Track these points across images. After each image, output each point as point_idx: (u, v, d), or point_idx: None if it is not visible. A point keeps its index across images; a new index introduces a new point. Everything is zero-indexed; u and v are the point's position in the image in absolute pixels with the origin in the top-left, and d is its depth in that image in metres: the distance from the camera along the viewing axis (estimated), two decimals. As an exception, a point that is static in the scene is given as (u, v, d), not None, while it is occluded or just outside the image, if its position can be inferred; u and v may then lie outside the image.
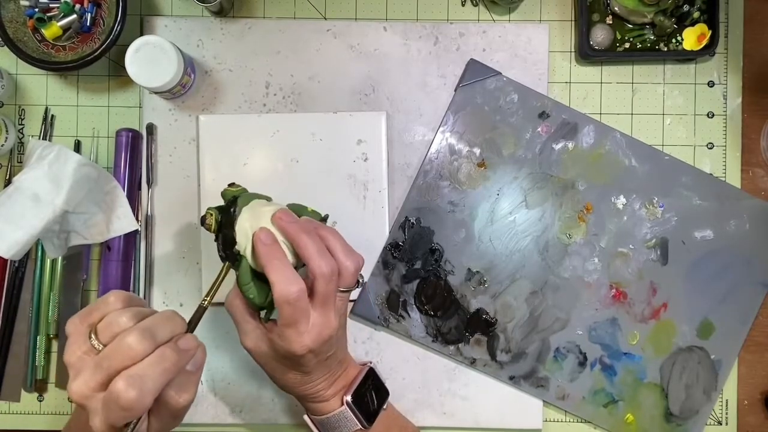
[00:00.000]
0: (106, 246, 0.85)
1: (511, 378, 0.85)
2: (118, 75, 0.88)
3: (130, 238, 0.85)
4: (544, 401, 0.86)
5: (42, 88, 0.88)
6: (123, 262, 0.85)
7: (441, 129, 0.86)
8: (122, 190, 0.83)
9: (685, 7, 0.84)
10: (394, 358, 0.87)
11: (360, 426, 0.74)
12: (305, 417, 0.77)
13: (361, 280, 0.73)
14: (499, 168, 0.86)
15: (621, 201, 0.86)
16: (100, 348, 0.55)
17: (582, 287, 0.85)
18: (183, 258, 0.87)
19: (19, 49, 0.81)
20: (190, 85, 0.85)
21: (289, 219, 0.67)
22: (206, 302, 0.64)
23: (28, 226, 0.74)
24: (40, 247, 0.86)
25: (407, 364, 0.87)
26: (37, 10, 0.82)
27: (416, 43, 0.87)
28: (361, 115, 0.86)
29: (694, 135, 0.88)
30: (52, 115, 0.88)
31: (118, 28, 0.80)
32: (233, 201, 0.69)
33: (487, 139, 0.86)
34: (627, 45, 0.86)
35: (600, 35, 0.85)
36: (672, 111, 0.88)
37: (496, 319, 0.85)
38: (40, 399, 0.88)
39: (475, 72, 0.85)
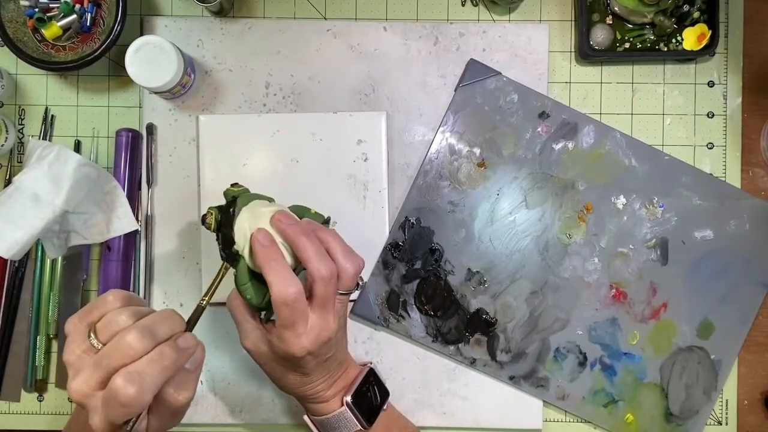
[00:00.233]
0: (106, 246, 0.85)
1: (511, 378, 0.85)
2: (118, 75, 0.88)
3: (130, 238, 0.85)
4: (544, 401, 0.86)
5: (42, 88, 0.88)
6: (123, 262, 0.85)
7: (441, 129, 0.86)
8: (122, 190, 0.83)
9: (685, 7, 0.84)
10: (394, 358, 0.87)
11: (360, 426, 0.74)
12: (305, 417, 0.77)
13: (360, 283, 0.73)
14: (499, 168, 0.86)
15: (621, 201, 0.86)
16: (100, 347, 0.55)
17: (582, 287, 0.85)
18: (183, 258, 0.87)
19: (19, 49, 0.81)
20: (190, 85, 0.85)
21: (288, 221, 0.67)
22: (205, 302, 0.64)
23: (28, 226, 0.74)
24: (40, 247, 0.86)
25: (407, 364, 0.87)
26: (37, 10, 0.82)
27: (416, 43, 0.87)
28: (361, 115, 0.86)
29: (694, 135, 0.88)
30: (52, 115, 0.88)
31: (118, 28, 0.80)
32: (233, 201, 0.69)
33: (487, 139, 0.86)
34: (627, 45, 0.86)
35: (600, 35, 0.85)
36: (672, 111, 0.88)
37: (496, 319, 0.85)
38: (40, 399, 0.88)
39: (475, 72, 0.85)
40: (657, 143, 0.87)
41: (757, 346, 0.88)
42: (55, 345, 0.87)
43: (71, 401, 0.88)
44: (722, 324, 0.85)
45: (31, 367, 0.86)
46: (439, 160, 0.86)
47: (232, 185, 0.72)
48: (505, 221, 0.85)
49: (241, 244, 0.67)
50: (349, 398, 0.73)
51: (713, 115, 0.88)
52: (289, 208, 0.72)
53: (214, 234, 0.69)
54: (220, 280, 0.67)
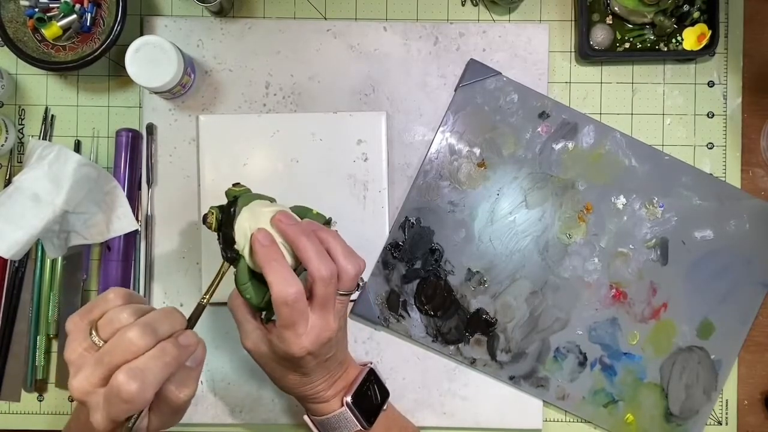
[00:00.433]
0: (106, 246, 0.85)
1: (511, 378, 0.85)
2: (118, 75, 0.88)
3: (130, 238, 0.85)
4: (544, 401, 0.86)
5: (42, 88, 0.88)
6: (123, 262, 0.85)
7: (441, 129, 0.86)
8: (122, 190, 0.83)
9: (685, 7, 0.84)
10: (394, 358, 0.87)
11: (360, 426, 0.74)
12: (305, 417, 0.77)
13: (361, 283, 0.73)
14: (499, 168, 0.86)
15: (621, 201, 0.86)
16: (101, 344, 0.55)
17: (582, 287, 0.85)
18: (183, 258, 0.87)
19: (19, 49, 0.81)
20: (190, 85, 0.85)
21: (289, 221, 0.67)
22: (206, 300, 0.64)
23: (28, 226, 0.74)
24: (40, 247, 0.86)
25: (407, 364, 0.87)
26: (37, 10, 0.82)
27: (416, 43, 0.87)
28: (361, 115, 0.86)
29: (694, 135, 0.88)
30: (52, 115, 0.88)
31: (118, 28, 0.80)
32: (234, 201, 0.69)
33: (487, 139, 0.86)
34: (627, 45, 0.86)
35: (600, 35, 0.85)
36: (672, 111, 0.88)
37: (496, 319, 0.85)
38: (40, 399, 0.88)
39: (475, 72, 0.86)
40: (657, 143, 0.87)
41: (757, 346, 0.88)
42: (55, 345, 0.87)
43: (72, 400, 0.87)
44: (722, 324, 0.85)
45: (31, 367, 0.86)
46: (439, 160, 0.86)
47: (234, 185, 0.72)
48: (505, 221, 0.85)
49: (242, 243, 0.67)
50: (349, 398, 0.73)
51: (713, 115, 0.88)
52: (290, 208, 0.71)
53: (215, 233, 0.70)
54: (221, 278, 0.67)
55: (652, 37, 0.86)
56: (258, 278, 0.68)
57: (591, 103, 0.88)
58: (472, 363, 0.85)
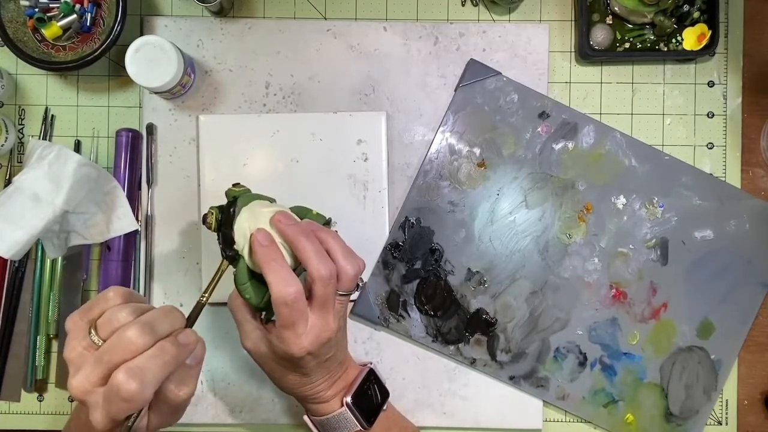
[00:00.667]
0: (106, 246, 0.85)
1: (511, 378, 0.85)
2: (118, 75, 0.88)
3: (130, 238, 0.85)
4: (544, 401, 0.86)
5: (42, 88, 0.88)
6: (123, 262, 0.85)
7: (441, 129, 0.86)
8: (122, 190, 0.83)
9: (685, 7, 0.84)
10: (394, 358, 0.87)
11: (360, 427, 0.74)
12: (305, 417, 0.77)
13: (361, 284, 0.73)
14: (499, 168, 0.86)
15: (621, 201, 0.86)
16: (100, 343, 0.55)
17: (582, 287, 0.85)
18: (183, 258, 0.87)
19: (19, 49, 0.81)
20: (190, 85, 0.85)
21: (288, 221, 0.67)
22: (205, 298, 0.64)
23: (28, 226, 0.74)
24: (40, 247, 0.86)
25: (407, 364, 0.87)
26: (37, 10, 0.82)
27: (416, 43, 0.87)
28: (361, 115, 0.86)
29: (694, 135, 0.88)
30: (52, 115, 0.88)
31: (118, 28, 0.81)
32: (233, 201, 0.69)
33: (487, 139, 0.86)
34: (627, 45, 0.86)
35: (600, 35, 0.85)
36: (672, 111, 0.88)
37: (496, 319, 0.85)
38: (40, 399, 0.88)
39: (475, 72, 0.86)
40: (657, 143, 0.87)
41: (757, 346, 0.88)
42: (55, 345, 0.87)
43: (71, 400, 0.87)
44: (722, 324, 0.85)
45: (31, 367, 0.86)
46: (439, 160, 0.86)
47: (234, 185, 0.72)
48: (505, 221, 0.85)
49: (241, 243, 0.67)
50: (349, 398, 0.73)
51: (713, 115, 0.88)
52: (290, 209, 0.71)
53: (215, 233, 0.70)
54: (220, 277, 0.67)
55: (652, 37, 0.86)
56: (258, 278, 0.68)
57: (591, 103, 0.88)
58: (472, 363, 0.85)
